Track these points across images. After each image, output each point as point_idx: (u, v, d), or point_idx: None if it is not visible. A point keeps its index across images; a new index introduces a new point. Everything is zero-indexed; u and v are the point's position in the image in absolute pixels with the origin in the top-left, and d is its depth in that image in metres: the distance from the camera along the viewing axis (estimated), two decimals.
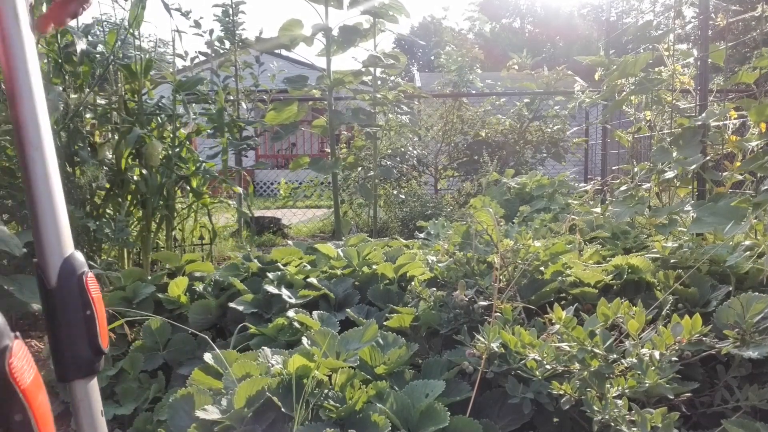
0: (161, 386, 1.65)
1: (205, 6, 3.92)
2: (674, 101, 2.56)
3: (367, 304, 1.85)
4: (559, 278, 1.67)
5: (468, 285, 1.62)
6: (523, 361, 1.19)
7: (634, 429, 0.98)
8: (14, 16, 0.61)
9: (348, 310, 1.75)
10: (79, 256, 0.66)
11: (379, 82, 4.01)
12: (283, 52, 4.01)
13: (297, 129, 3.86)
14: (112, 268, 2.50)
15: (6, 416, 0.45)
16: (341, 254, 2.16)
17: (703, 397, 1.24)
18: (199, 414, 1.17)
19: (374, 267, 2.04)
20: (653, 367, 1.06)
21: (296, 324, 1.64)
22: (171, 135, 2.77)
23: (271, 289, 1.87)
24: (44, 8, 2.08)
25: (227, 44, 3.78)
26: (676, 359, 1.09)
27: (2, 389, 0.44)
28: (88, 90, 2.46)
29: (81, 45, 2.21)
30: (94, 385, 0.68)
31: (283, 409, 1.18)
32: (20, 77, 0.62)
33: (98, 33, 2.71)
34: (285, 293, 1.86)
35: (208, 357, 1.39)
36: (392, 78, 4.17)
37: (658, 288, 1.63)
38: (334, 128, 3.86)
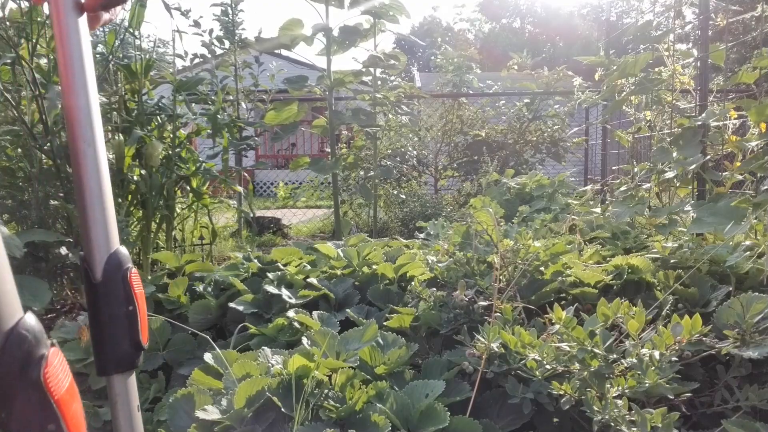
0: (161, 386, 1.65)
1: (205, 5, 3.92)
2: (674, 101, 2.56)
3: (367, 304, 1.85)
4: (559, 278, 1.67)
5: (468, 285, 1.62)
6: (523, 361, 1.19)
7: (634, 429, 0.98)
8: (72, 8, 0.60)
9: (348, 310, 1.75)
10: (124, 252, 0.66)
11: (379, 82, 4.01)
12: (283, 52, 4.01)
13: (297, 129, 3.86)
14: None
15: (39, 426, 0.45)
16: (341, 254, 2.16)
17: (703, 397, 1.24)
18: (199, 414, 1.17)
19: (374, 267, 2.04)
20: (653, 367, 1.06)
21: (296, 324, 1.64)
22: (171, 135, 2.77)
23: (271, 289, 1.87)
24: None
25: (227, 44, 3.78)
26: (676, 359, 1.09)
27: (36, 399, 0.44)
28: None
29: None
30: (132, 381, 0.69)
31: (283, 409, 1.18)
32: (75, 72, 0.61)
33: (98, 33, 2.71)
34: (285, 293, 1.86)
35: (208, 357, 1.39)
36: (392, 78, 4.17)
37: (658, 288, 1.63)
38: (334, 128, 3.86)
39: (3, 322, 0.42)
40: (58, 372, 0.46)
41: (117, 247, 0.66)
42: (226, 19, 3.77)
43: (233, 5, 3.79)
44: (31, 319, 0.44)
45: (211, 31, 3.65)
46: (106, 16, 0.67)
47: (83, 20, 0.62)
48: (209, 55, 3.61)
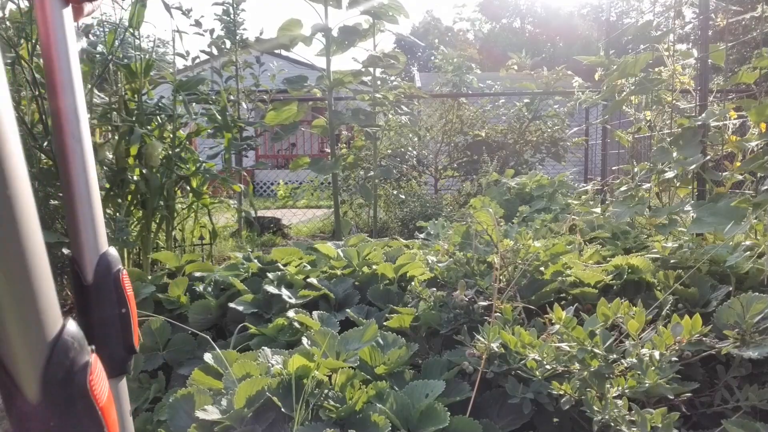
0: (161, 386, 1.65)
1: (206, 5, 3.92)
2: (674, 101, 2.56)
3: (367, 304, 1.85)
4: (559, 278, 1.67)
5: (468, 285, 1.62)
6: (523, 361, 1.19)
7: (634, 429, 0.98)
8: (58, 4, 0.59)
9: (348, 310, 1.75)
10: (115, 253, 0.64)
11: (378, 82, 4.01)
12: (284, 53, 4.01)
13: (297, 129, 3.86)
14: None
15: None
16: (341, 254, 2.16)
17: (703, 397, 1.24)
18: (199, 414, 1.17)
19: (374, 267, 2.04)
20: (653, 367, 1.06)
21: (296, 324, 1.64)
22: (171, 135, 2.77)
23: (271, 289, 1.87)
24: None
25: (228, 44, 3.79)
26: (676, 359, 1.09)
27: (83, 407, 0.43)
28: (87, 90, 2.46)
29: (81, 44, 2.21)
30: (123, 385, 0.67)
31: (283, 409, 1.18)
32: (62, 67, 0.60)
33: (98, 33, 2.71)
34: (285, 293, 1.86)
35: (208, 357, 1.39)
36: (392, 78, 4.16)
37: (658, 288, 1.63)
38: (334, 128, 3.86)
39: (49, 331, 0.41)
40: (101, 379, 0.45)
41: (107, 248, 0.64)
42: (228, 19, 3.77)
43: (235, 5, 3.79)
44: (72, 326, 0.44)
45: (212, 31, 3.65)
46: (89, 7, 0.65)
47: (68, 12, 0.61)
48: (216, 54, 3.62)
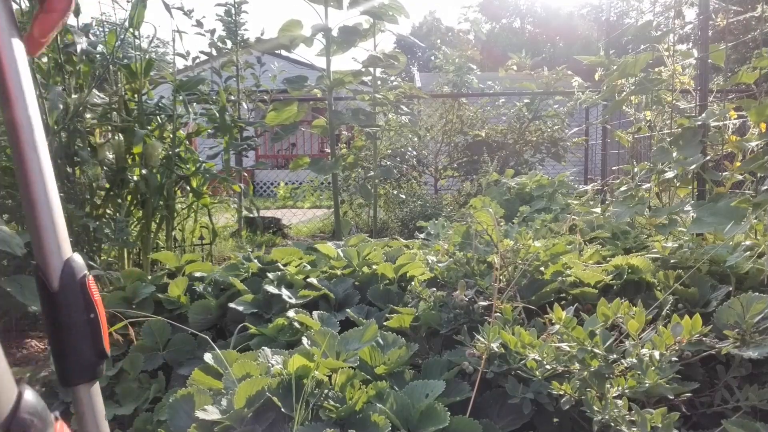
0: (161, 386, 1.65)
1: (207, 5, 3.93)
2: (674, 101, 2.56)
3: (367, 305, 1.85)
4: (559, 278, 1.67)
5: (468, 285, 1.62)
6: (523, 361, 1.19)
7: (634, 429, 0.98)
8: (4, 18, 0.59)
9: (348, 310, 1.75)
10: (79, 259, 0.65)
11: (378, 83, 4.01)
12: (284, 53, 4.01)
13: (297, 129, 3.85)
14: (112, 268, 2.50)
15: None
16: (341, 254, 2.16)
17: (703, 397, 1.24)
18: (199, 414, 1.17)
19: (374, 267, 2.04)
20: (653, 368, 1.06)
21: (296, 324, 1.64)
22: (171, 135, 2.78)
23: (271, 289, 1.87)
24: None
25: (229, 44, 3.79)
26: (676, 359, 1.09)
27: None
28: (87, 90, 2.46)
29: (81, 44, 2.21)
30: (96, 389, 0.67)
31: (283, 409, 1.18)
32: (13, 79, 0.60)
33: (98, 33, 2.71)
34: (285, 293, 1.86)
35: (208, 357, 1.39)
36: (392, 78, 4.16)
37: (658, 288, 1.63)
38: (334, 128, 3.86)
39: (1, 408, 0.36)
40: None
41: (71, 254, 0.64)
42: (229, 19, 3.78)
43: (236, 6, 3.79)
44: (30, 397, 0.39)
45: (213, 32, 3.65)
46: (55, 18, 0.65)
47: (14, 23, 0.61)
48: (215, 53, 3.62)
